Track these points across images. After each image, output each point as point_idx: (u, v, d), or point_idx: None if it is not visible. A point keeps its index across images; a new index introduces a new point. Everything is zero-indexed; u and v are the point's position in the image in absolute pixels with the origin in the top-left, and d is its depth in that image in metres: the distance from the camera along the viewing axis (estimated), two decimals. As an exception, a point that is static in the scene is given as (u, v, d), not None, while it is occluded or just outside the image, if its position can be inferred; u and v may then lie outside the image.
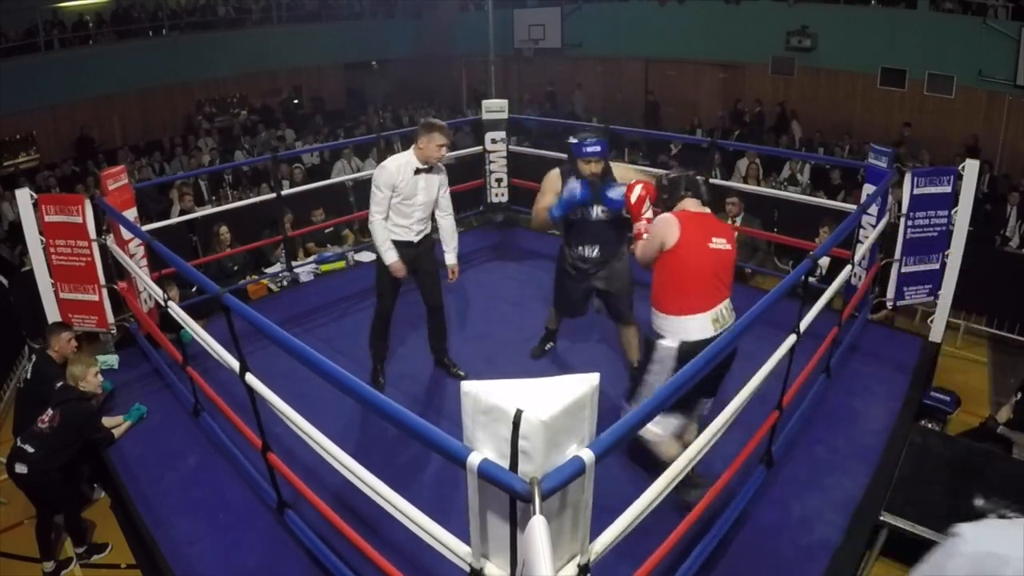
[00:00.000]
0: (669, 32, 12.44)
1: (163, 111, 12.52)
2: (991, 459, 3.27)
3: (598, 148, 3.34)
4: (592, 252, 3.55)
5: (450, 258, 3.87)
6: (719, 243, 2.71)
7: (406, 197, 3.60)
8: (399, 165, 3.56)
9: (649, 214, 3.05)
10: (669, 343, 2.70)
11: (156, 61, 12.20)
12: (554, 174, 3.58)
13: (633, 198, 3.13)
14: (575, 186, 3.32)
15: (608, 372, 3.94)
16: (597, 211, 3.44)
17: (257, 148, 11.20)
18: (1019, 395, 3.98)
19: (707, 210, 2.85)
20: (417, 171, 3.57)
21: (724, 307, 2.71)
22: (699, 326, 2.66)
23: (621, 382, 3.84)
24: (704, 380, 2.18)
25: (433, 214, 3.78)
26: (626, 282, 3.63)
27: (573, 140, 3.41)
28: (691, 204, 2.83)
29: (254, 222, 6.03)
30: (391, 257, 3.63)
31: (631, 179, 3.31)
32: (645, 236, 2.98)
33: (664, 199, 2.89)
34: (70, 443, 3.36)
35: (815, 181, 8.76)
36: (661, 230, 2.73)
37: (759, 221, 6.03)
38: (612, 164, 3.49)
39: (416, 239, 3.72)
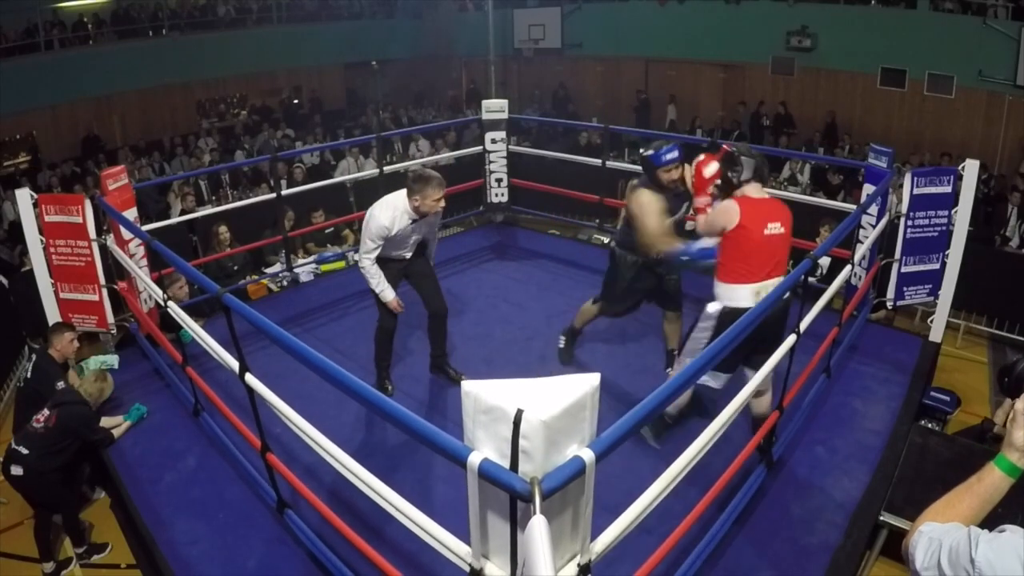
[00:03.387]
0: (669, 32, 12.43)
1: (163, 111, 12.53)
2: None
3: (676, 154, 3.29)
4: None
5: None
6: (774, 228, 2.86)
7: (401, 240, 3.55)
8: (394, 218, 3.42)
9: (711, 189, 3.10)
10: (715, 306, 2.95)
11: (156, 61, 12.20)
12: (648, 195, 3.36)
13: (708, 172, 3.11)
14: (702, 248, 3.13)
15: (609, 372, 3.95)
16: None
17: (257, 148, 11.20)
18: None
19: (766, 194, 2.96)
20: (414, 221, 3.50)
21: (772, 283, 2.85)
22: (743, 295, 2.85)
23: (622, 382, 3.85)
24: (742, 347, 2.41)
25: None
26: (679, 274, 3.64)
27: (647, 152, 3.33)
28: (752, 189, 2.92)
29: (254, 222, 6.04)
30: (389, 296, 3.59)
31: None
32: (708, 211, 3.10)
33: (731, 184, 2.96)
34: (66, 445, 3.35)
35: (815, 181, 8.76)
36: (722, 218, 2.90)
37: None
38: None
39: (409, 256, 3.71)
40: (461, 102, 14.66)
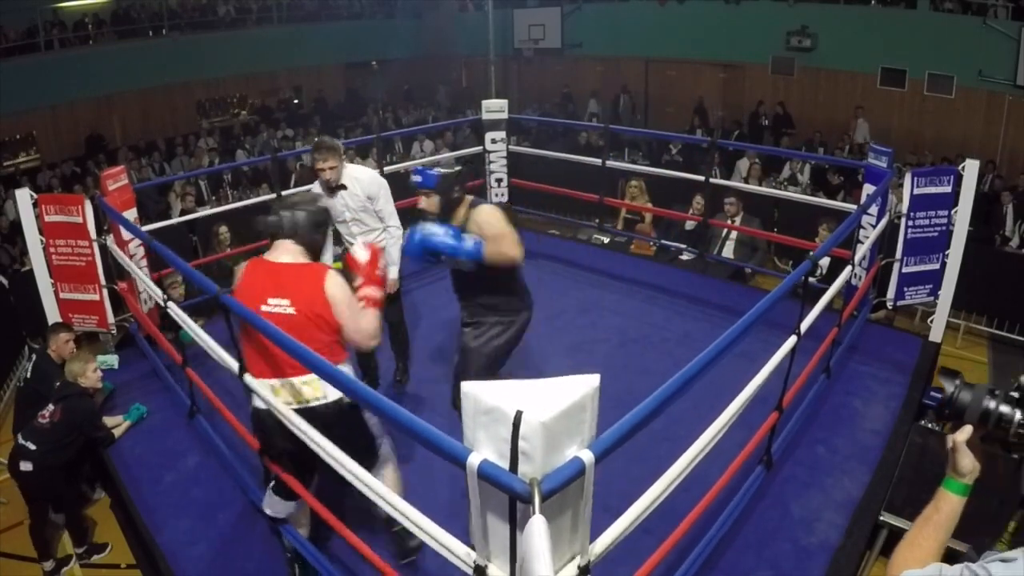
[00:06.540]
0: (669, 32, 12.43)
1: (163, 111, 12.53)
2: (991, 459, 3.26)
3: (417, 179, 2.71)
4: (463, 313, 2.96)
5: (390, 271, 3.49)
6: (277, 305, 2.28)
7: (334, 217, 3.43)
8: (317, 185, 3.48)
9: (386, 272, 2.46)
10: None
11: (156, 61, 12.21)
12: None
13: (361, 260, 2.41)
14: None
15: (609, 373, 3.94)
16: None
17: (257, 148, 11.20)
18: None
19: (303, 259, 2.37)
20: (331, 191, 3.41)
21: (299, 380, 2.33)
22: (262, 392, 2.37)
23: (622, 383, 3.84)
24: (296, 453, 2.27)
25: None
26: (467, 365, 2.88)
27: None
28: (282, 248, 2.37)
29: (254, 222, 6.03)
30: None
31: (494, 228, 2.66)
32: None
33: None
34: (71, 440, 3.36)
35: (815, 181, 8.76)
36: None
37: (759, 221, 6.04)
38: (481, 209, 2.74)
39: None
40: (462, 99, 14.67)
